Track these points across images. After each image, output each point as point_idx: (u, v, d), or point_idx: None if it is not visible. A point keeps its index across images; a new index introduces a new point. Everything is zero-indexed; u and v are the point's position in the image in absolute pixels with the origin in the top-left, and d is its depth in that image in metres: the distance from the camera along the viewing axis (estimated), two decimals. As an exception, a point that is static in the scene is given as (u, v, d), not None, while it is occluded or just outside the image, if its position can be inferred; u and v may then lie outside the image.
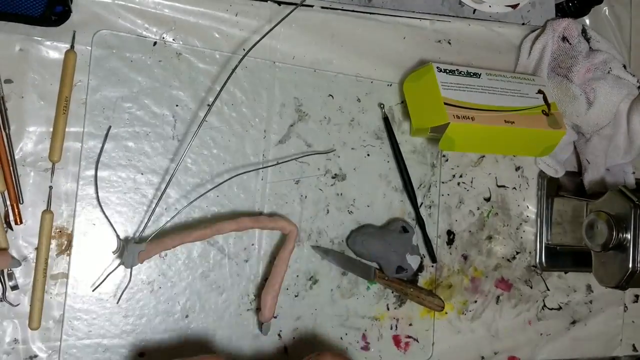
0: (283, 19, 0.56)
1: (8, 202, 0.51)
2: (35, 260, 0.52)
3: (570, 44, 0.69)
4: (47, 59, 0.53)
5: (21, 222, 0.52)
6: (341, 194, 0.63)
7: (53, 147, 0.52)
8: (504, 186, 0.73)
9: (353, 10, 0.64)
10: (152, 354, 0.55)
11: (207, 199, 0.58)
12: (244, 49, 0.59)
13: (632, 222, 0.61)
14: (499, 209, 0.72)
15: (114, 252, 0.55)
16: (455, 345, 0.69)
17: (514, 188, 0.73)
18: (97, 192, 0.54)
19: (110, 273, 0.54)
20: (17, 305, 0.51)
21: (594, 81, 0.68)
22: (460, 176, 0.70)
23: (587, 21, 0.77)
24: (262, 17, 0.60)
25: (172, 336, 0.56)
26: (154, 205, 0.55)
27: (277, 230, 0.59)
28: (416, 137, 0.67)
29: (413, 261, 0.63)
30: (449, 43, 0.69)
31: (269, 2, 0.60)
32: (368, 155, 0.65)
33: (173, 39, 0.57)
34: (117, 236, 0.54)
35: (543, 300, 0.74)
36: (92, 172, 0.54)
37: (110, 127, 0.54)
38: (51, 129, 0.53)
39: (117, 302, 0.54)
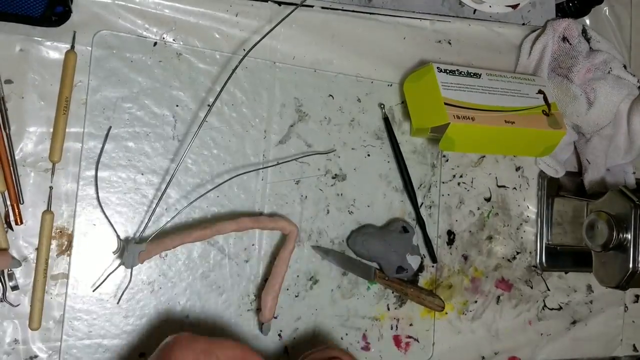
0: (283, 19, 0.56)
1: (8, 203, 0.51)
2: (35, 261, 0.52)
3: (570, 44, 0.69)
4: (48, 60, 0.53)
5: (21, 223, 0.52)
6: (341, 194, 0.63)
7: (53, 147, 0.52)
8: (504, 186, 0.73)
9: (353, 11, 0.64)
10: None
11: (208, 199, 0.58)
12: (244, 49, 0.60)
13: (633, 222, 0.61)
14: (499, 209, 0.72)
15: (114, 253, 0.55)
16: (456, 346, 0.69)
17: (514, 188, 0.73)
18: (97, 192, 0.54)
19: (111, 273, 0.54)
20: (18, 305, 0.51)
21: (594, 81, 0.68)
22: (461, 176, 0.70)
23: (588, 21, 0.77)
24: (263, 18, 0.60)
25: (173, 336, 0.56)
26: (154, 206, 0.55)
27: (277, 230, 0.59)
28: (416, 137, 0.67)
29: (413, 261, 0.63)
30: (449, 43, 0.69)
31: (269, 2, 0.60)
32: (368, 155, 0.65)
33: (173, 40, 0.57)
34: (118, 236, 0.54)
35: (543, 301, 0.74)
36: (93, 172, 0.54)
37: (110, 127, 0.54)
38: (51, 130, 0.53)
39: (118, 303, 0.54)
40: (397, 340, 0.66)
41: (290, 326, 0.61)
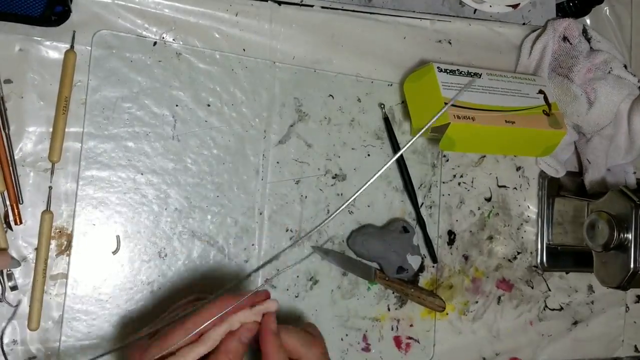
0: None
1: (8, 203, 0.51)
2: (34, 261, 0.52)
3: (571, 44, 0.69)
4: (47, 59, 0.53)
5: (21, 223, 0.52)
6: (341, 194, 0.63)
7: (53, 147, 0.52)
8: (504, 186, 0.72)
9: (353, 10, 0.64)
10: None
11: (207, 199, 0.58)
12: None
13: (633, 222, 0.61)
14: (499, 209, 0.72)
15: (113, 253, 0.55)
16: (457, 346, 0.69)
17: (515, 188, 0.73)
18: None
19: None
20: (17, 305, 0.51)
21: (595, 81, 0.68)
22: (461, 176, 0.70)
23: (588, 21, 0.77)
24: (263, 17, 0.60)
25: (172, 337, 0.56)
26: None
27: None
28: (417, 137, 0.67)
29: (414, 261, 0.63)
30: (450, 43, 0.69)
31: (269, 2, 0.60)
32: (368, 155, 0.65)
33: (173, 39, 0.57)
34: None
35: (544, 301, 0.74)
36: (92, 172, 0.54)
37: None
38: (51, 129, 0.53)
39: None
40: (397, 341, 0.66)
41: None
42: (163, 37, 0.57)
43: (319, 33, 0.63)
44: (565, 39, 0.70)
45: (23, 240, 0.52)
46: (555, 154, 0.70)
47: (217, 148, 0.58)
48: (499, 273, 0.72)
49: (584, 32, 0.71)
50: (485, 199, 0.71)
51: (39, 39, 0.53)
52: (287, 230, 0.61)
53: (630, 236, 0.61)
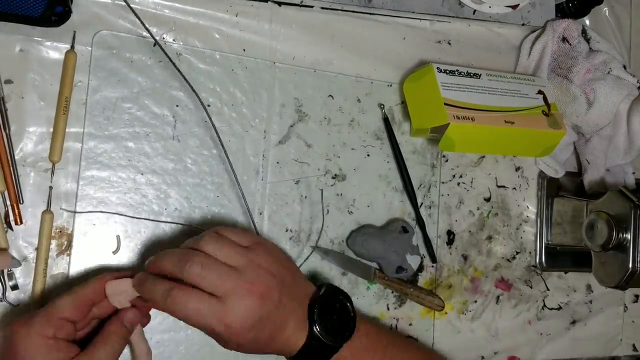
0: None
1: (8, 202, 0.51)
2: (35, 261, 0.52)
3: (570, 44, 0.70)
4: (48, 60, 0.53)
5: (21, 222, 0.52)
6: (341, 194, 0.64)
7: (53, 147, 0.52)
8: (504, 186, 0.73)
9: (353, 11, 0.64)
10: (152, 354, 0.55)
11: (207, 199, 0.58)
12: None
13: (632, 222, 0.61)
14: (499, 209, 0.72)
15: (113, 252, 0.55)
16: (455, 345, 0.69)
17: (514, 188, 0.73)
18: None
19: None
20: (17, 305, 0.51)
21: (594, 82, 0.68)
22: (460, 176, 0.70)
23: (587, 22, 0.77)
24: (263, 18, 0.60)
25: (172, 336, 0.56)
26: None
27: None
28: (416, 138, 0.67)
29: (413, 261, 0.63)
30: (449, 43, 0.69)
31: (269, 2, 0.60)
32: (368, 155, 0.65)
33: (173, 40, 0.57)
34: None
35: (543, 300, 0.74)
36: (93, 172, 0.54)
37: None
38: (51, 130, 0.53)
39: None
40: (396, 340, 0.66)
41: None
42: (163, 38, 0.57)
43: (319, 33, 0.63)
44: (564, 39, 0.70)
45: (23, 240, 0.52)
46: (555, 154, 0.70)
47: (217, 148, 0.58)
48: (497, 273, 0.72)
49: (583, 32, 0.71)
50: (485, 199, 0.71)
51: (40, 39, 0.53)
52: (286, 230, 0.61)
53: (629, 236, 0.61)
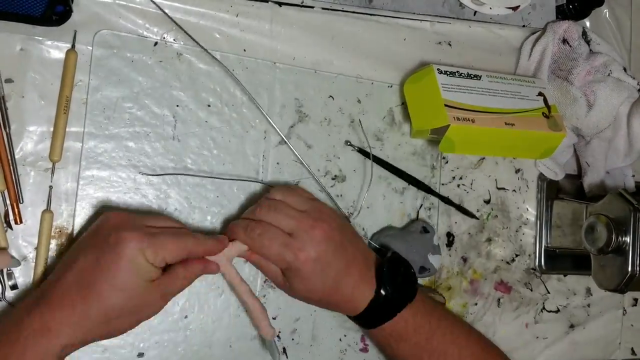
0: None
1: (8, 202, 0.51)
2: (34, 260, 0.52)
3: (570, 46, 0.70)
4: (48, 59, 0.53)
5: (21, 222, 0.52)
6: (341, 195, 0.63)
7: (53, 146, 0.52)
8: (503, 188, 0.73)
9: (354, 12, 0.64)
10: (151, 354, 0.55)
11: (207, 199, 0.58)
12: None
13: (632, 225, 0.61)
14: (498, 211, 0.72)
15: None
16: (454, 347, 0.69)
17: (514, 190, 0.73)
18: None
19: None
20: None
21: (594, 84, 0.68)
22: (460, 178, 0.70)
23: (588, 23, 0.77)
24: (263, 18, 0.60)
25: (171, 336, 0.56)
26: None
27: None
28: (416, 139, 0.67)
29: (435, 261, 0.63)
30: (450, 45, 0.69)
31: (269, 2, 0.60)
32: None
33: (174, 39, 0.57)
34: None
35: (543, 303, 0.74)
36: (93, 172, 0.54)
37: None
38: (52, 129, 0.53)
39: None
40: (395, 341, 0.66)
41: (289, 327, 0.61)
42: (164, 37, 0.57)
43: (319, 34, 0.63)
44: (564, 41, 0.70)
45: (23, 239, 0.52)
46: (555, 156, 0.70)
47: (217, 148, 0.58)
48: (497, 275, 0.72)
49: (584, 34, 0.71)
50: (484, 201, 0.71)
51: (40, 38, 0.53)
52: (286, 231, 0.61)
53: (628, 239, 0.61)
